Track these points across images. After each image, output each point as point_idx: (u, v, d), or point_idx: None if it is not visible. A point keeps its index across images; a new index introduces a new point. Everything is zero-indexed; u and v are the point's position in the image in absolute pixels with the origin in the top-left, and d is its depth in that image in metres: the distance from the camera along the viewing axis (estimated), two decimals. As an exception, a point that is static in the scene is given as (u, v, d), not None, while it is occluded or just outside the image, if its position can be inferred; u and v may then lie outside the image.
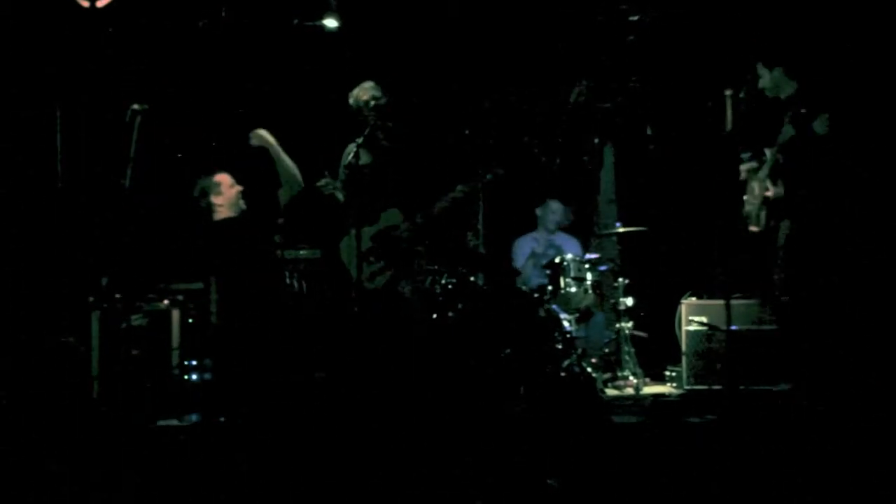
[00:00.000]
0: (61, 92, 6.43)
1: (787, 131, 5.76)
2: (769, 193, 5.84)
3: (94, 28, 6.94)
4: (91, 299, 6.25)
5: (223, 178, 6.32)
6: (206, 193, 6.25)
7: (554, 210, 8.16)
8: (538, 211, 8.24)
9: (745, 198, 6.05)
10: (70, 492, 4.49)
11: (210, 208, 6.27)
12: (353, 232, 5.95)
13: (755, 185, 5.96)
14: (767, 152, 5.88)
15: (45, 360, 6.08)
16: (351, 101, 6.42)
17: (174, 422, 5.83)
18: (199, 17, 7.48)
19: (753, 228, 5.96)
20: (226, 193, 6.30)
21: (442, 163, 6.80)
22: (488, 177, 6.40)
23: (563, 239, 8.16)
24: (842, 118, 5.67)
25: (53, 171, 6.22)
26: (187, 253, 6.48)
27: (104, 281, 6.33)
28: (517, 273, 7.80)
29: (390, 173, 6.38)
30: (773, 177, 5.82)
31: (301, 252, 7.06)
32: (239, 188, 6.35)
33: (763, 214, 5.88)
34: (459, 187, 6.34)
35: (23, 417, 5.67)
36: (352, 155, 6.16)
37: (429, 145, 6.74)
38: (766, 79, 5.89)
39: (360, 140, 6.15)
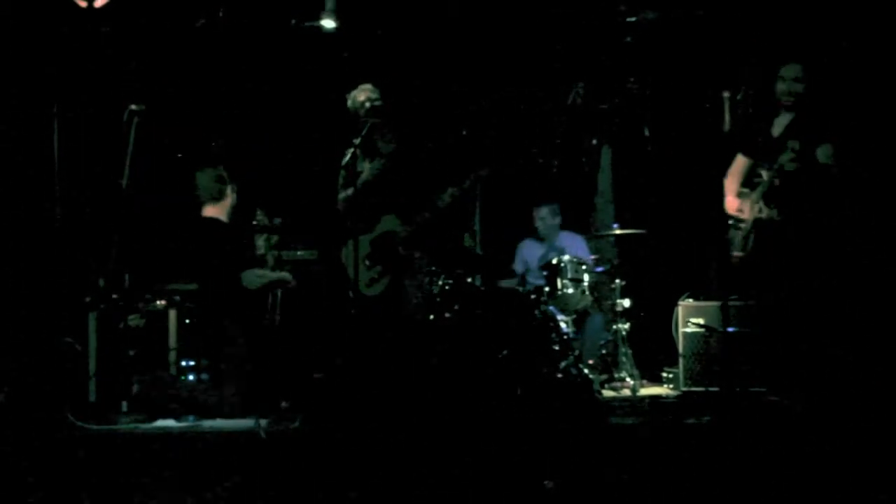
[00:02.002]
0: (59, 92, 6.42)
1: (783, 158, 5.80)
2: (762, 215, 5.87)
3: (91, 28, 6.94)
4: (88, 299, 6.25)
5: (229, 188, 6.46)
6: (223, 182, 6.38)
7: (542, 217, 8.07)
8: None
9: (730, 222, 6.07)
10: (68, 491, 4.49)
11: (204, 201, 6.38)
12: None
13: (746, 208, 5.98)
14: (764, 174, 5.90)
15: (43, 360, 6.07)
16: (349, 102, 6.43)
17: (171, 422, 5.83)
18: (197, 18, 7.48)
19: (738, 254, 6.01)
20: (225, 202, 6.44)
21: (440, 165, 6.81)
22: (468, 182, 6.43)
23: (567, 240, 8.10)
24: (844, 147, 5.73)
25: (51, 171, 6.21)
26: (179, 250, 6.53)
27: (102, 281, 6.34)
28: (515, 275, 7.79)
29: (388, 178, 6.40)
30: (768, 199, 5.86)
31: (298, 252, 7.07)
32: (234, 194, 6.48)
33: (752, 237, 5.93)
34: (450, 190, 6.37)
35: (20, 417, 5.67)
36: (349, 156, 6.18)
37: (426, 148, 6.75)
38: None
39: (357, 141, 6.17)
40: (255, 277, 6.30)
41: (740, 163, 6.12)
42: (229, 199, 6.45)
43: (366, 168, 6.46)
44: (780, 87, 5.95)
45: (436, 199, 6.39)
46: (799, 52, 7.07)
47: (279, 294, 6.44)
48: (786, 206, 5.84)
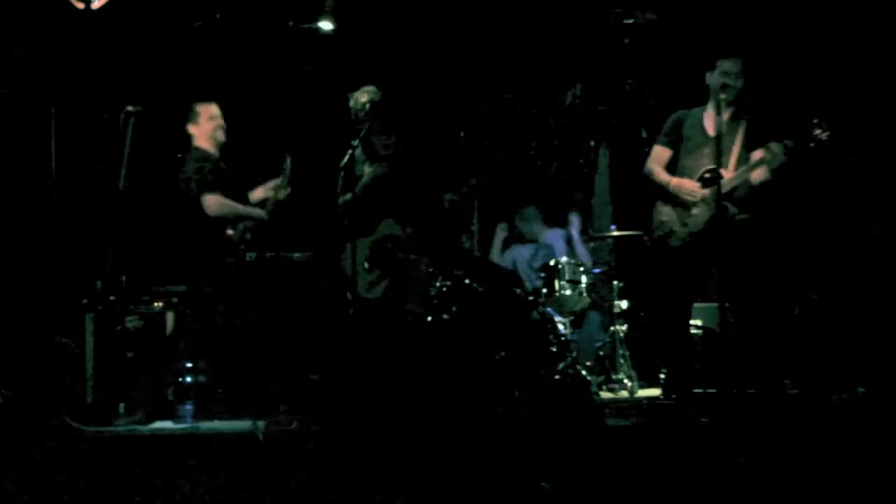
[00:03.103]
0: (56, 93, 6.42)
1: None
2: (726, 214, 5.81)
3: (89, 29, 6.94)
4: (86, 301, 6.24)
5: (203, 109, 6.48)
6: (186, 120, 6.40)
7: (524, 220, 8.10)
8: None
9: (666, 219, 6.01)
10: (65, 493, 4.49)
11: (190, 139, 6.47)
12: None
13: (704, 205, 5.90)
14: (725, 173, 5.80)
15: (40, 362, 6.06)
16: (350, 102, 6.46)
17: (169, 423, 5.83)
18: (194, 19, 7.48)
19: (676, 244, 5.97)
20: (202, 125, 6.46)
21: (439, 168, 6.83)
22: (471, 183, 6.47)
23: (551, 237, 8.12)
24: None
25: (48, 173, 6.21)
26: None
27: (99, 283, 6.33)
28: (518, 277, 7.79)
29: (388, 181, 6.42)
30: (728, 198, 5.80)
31: (295, 255, 7.05)
32: (218, 123, 6.48)
33: (702, 232, 5.85)
34: (448, 196, 6.39)
35: (18, 418, 5.66)
36: (347, 157, 6.19)
37: (425, 151, 6.77)
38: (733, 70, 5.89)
39: (355, 143, 6.18)
40: (219, 206, 6.32)
41: (662, 153, 6.07)
42: (201, 125, 6.53)
43: (366, 171, 6.48)
44: (719, 80, 5.87)
45: (434, 204, 6.42)
46: (795, 53, 7.12)
47: (249, 234, 6.37)
48: (754, 205, 5.83)
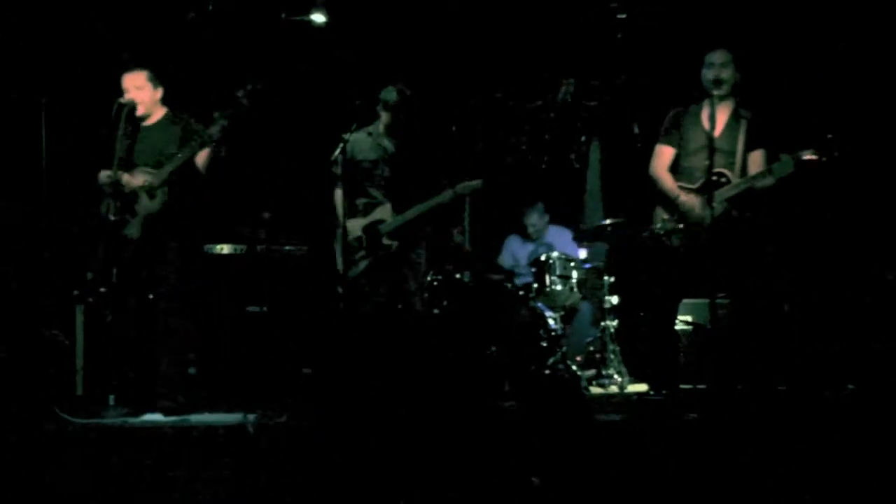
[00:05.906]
0: (47, 85, 6.41)
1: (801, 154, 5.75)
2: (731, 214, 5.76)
3: (80, 21, 6.93)
4: (76, 293, 6.23)
5: (127, 80, 5.97)
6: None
7: (532, 222, 8.11)
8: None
9: (668, 217, 5.97)
10: (54, 485, 4.48)
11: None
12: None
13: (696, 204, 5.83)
14: (731, 176, 5.75)
15: (30, 354, 6.06)
16: (387, 95, 6.51)
17: (159, 416, 5.82)
18: (187, 11, 7.46)
19: (675, 242, 5.91)
20: (134, 95, 5.96)
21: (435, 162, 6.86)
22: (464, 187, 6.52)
23: (555, 236, 8.13)
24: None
25: (39, 165, 6.20)
26: None
27: (89, 275, 6.32)
28: (510, 273, 7.81)
29: (411, 166, 6.50)
30: (734, 201, 5.75)
31: (287, 248, 7.05)
32: (147, 90, 6.00)
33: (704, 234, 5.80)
34: (444, 194, 6.45)
35: (6, 410, 5.66)
36: (339, 150, 6.20)
37: (425, 144, 6.81)
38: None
39: (347, 136, 6.19)
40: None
41: (666, 153, 5.97)
42: (134, 96, 5.98)
43: (366, 142, 6.53)
44: (708, 74, 5.76)
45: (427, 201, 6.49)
46: (791, 50, 7.13)
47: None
48: (755, 207, 5.78)
